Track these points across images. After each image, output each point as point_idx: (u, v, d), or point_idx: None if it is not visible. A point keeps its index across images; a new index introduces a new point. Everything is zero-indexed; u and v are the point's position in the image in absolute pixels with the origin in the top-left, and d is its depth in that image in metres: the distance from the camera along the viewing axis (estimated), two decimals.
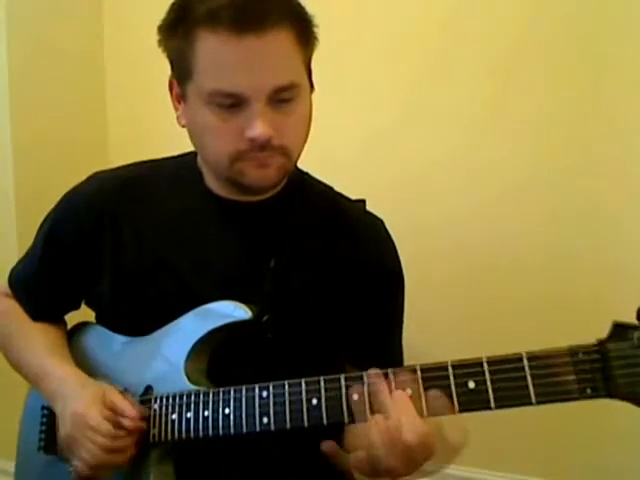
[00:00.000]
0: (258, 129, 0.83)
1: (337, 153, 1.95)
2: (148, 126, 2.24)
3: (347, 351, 0.98)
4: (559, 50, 1.80)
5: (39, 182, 2.08)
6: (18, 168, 2.11)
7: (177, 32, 0.86)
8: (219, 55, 0.82)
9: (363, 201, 1.33)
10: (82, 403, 0.88)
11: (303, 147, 0.93)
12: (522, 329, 1.83)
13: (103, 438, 0.85)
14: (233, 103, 0.84)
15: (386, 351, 1.00)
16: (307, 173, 1.06)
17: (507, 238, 1.89)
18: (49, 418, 1.01)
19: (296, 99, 0.87)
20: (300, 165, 1.03)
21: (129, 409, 0.87)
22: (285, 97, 0.85)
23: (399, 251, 1.06)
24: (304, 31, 0.87)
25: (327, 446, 0.81)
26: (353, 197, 1.10)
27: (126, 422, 0.86)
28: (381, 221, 1.07)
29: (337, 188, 1.08)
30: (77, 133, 2.32)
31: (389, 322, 1.04)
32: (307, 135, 0.93)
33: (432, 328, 1.87)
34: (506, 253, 1.88)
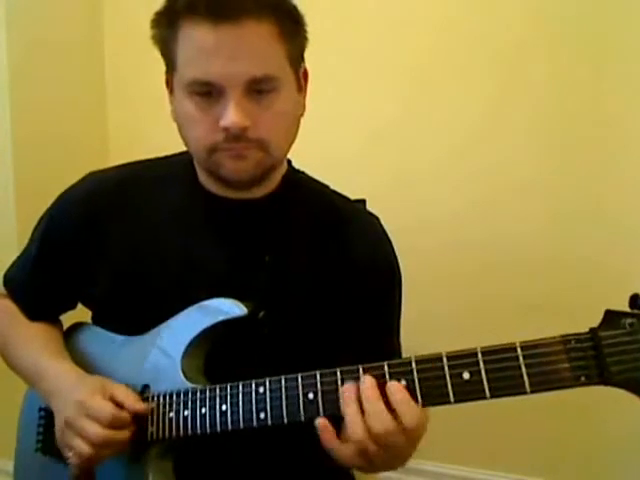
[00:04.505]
0: (231, 118, 0.82)
1: (338, 152, 1.96)
2: (148, 126, 2.24)
3: (344, 347, 0.97)
4: (561, 50, 1.80)
5: (39, 182, 2.08)
6: (18, 168, 2.11)
7: (163, 24, 0.87)
8: (196, 44, 0.83)
9: (363, 201, 1.32)
10: (83, 392, 0.87)
11: (287, 145, 0.92)
12: (522, 328, 1.80)
13: (105, 418, 0.85)
14: (209, 92, 0.84)
15: (382, 347, 0.99)
16: (303, 172, 1.05)
17: (508, 237, 1.89)
18: (46, 419, 1.01)
19: (275, 93, 0.86)
20: (300, 164, 1.02)
21: (128, 398, 0.87)
22: (263, 88, 0.84)
23: (399, 249, 1.05)
24: (288, 27, 0.86)
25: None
26: (354, 196, 1.09)
27: (125, 410, 0.86)
28: (377, 218, 1.06)
29: (338, 187, 1.07)
30: (77, 133, 2.32)
31: (384, 319, 1.03)
32: (291, 133, 0.92)
33: (431, 327, 1.86)
34: (506, 252, 1.89)
